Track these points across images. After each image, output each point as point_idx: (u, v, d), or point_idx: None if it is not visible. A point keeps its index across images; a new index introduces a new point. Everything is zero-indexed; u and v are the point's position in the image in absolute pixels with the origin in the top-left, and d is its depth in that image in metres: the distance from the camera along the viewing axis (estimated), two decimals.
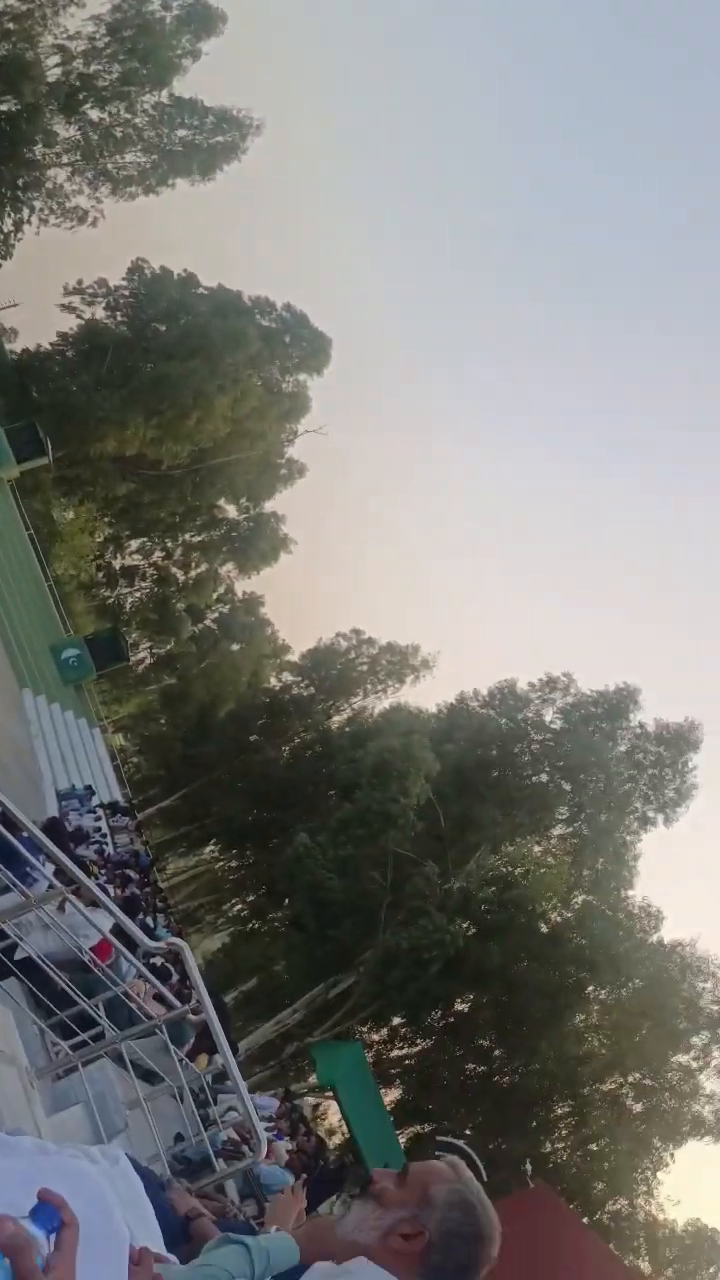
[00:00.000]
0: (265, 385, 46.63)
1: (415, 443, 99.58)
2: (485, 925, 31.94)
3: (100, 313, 44.86)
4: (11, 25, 38.88)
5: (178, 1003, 7.96)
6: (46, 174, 42.16)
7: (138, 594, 54.04)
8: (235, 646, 54.09)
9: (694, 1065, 31.63)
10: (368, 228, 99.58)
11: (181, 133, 42.77)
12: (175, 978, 11.23)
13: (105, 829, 23.58)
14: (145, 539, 53.00)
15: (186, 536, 53.09)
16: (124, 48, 40.00)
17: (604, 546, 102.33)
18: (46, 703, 30.17)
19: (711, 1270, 30.86)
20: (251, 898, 49.42)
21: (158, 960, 10.97)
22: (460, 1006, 35.53)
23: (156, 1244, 3.03)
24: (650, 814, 36.88)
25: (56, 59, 40.38)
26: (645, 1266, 30.56)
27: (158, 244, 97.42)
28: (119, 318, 44.87)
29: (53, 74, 39.96)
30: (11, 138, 38.70)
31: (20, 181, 41.23)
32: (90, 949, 7.52)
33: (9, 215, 42.30)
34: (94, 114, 41.59)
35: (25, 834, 6.75)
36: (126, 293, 44.94)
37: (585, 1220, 26.83)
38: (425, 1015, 34.97)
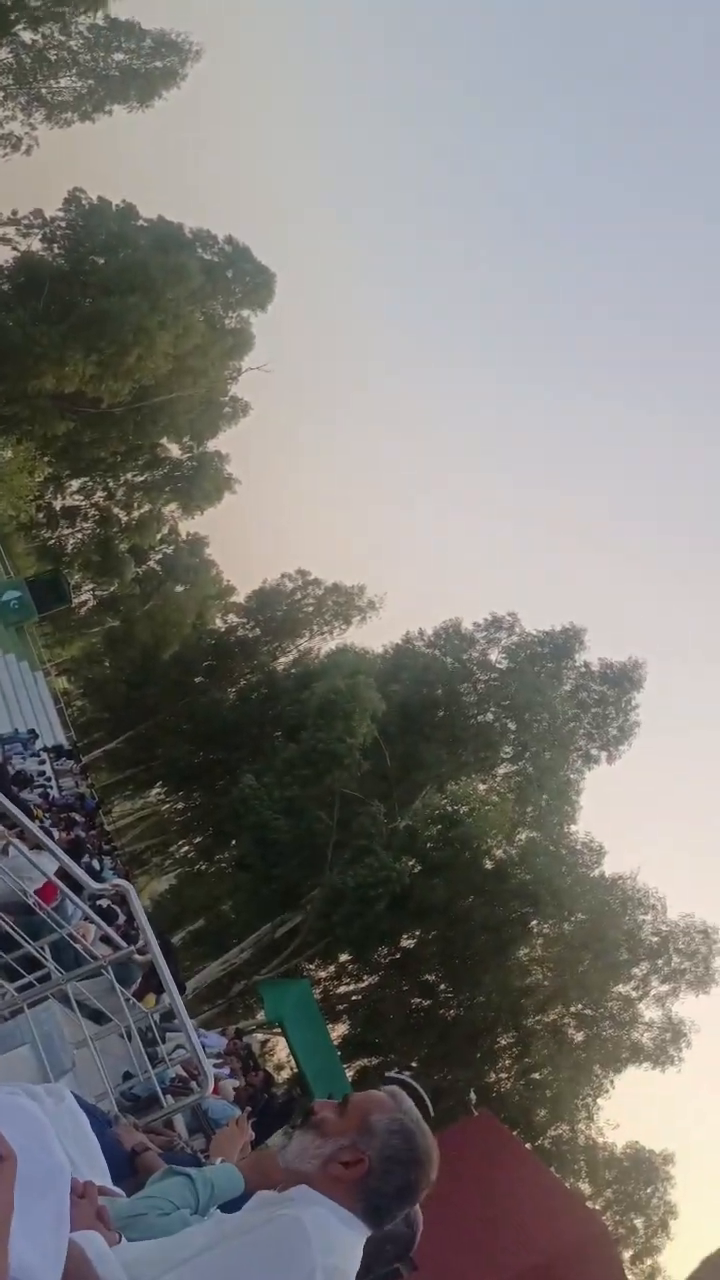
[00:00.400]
0: (208, 321, 45.61)
1: (359, 381, 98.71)
2: (430, 862, 32.40)
3: (36, 245, 43.38)
4: None
5: (124, 943, 7.98)
6: None
7: (79, 535, 53.21)
8: (180, 588, 53.65)
9: (634, 995, 32.50)
10: (311, 158, 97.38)
11: (118, 57, 41.23)
12: (121, 919, 11.26)
13: (50, 773, 23.46)
14: (86, 479, 52.06)
15: (129, 476, 52.24)
16: None
17: (551, 487, 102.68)
18: None
19: (648, 1190, 32.06)
20: (198, 839, 49.60)
21: (104, 902, 10.98)
22: (406, 942, 36.13)
23: (103, 1178, 3.06)
24: (594, 752, 37.48)
25: None
26: (586, 1188, 31.68)
27: (96, 173, 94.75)
28: (56, 250, 43.45)
29: None
30: None
31: None
32: (35, 892, 7.50)
33: None
34: (26, 35, 39.91)
35: None
36: (63, 224, 43.48)
37: (528, 1145, 27.68)
38: (372, 951, 35.53)
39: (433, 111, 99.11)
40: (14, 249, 42.96)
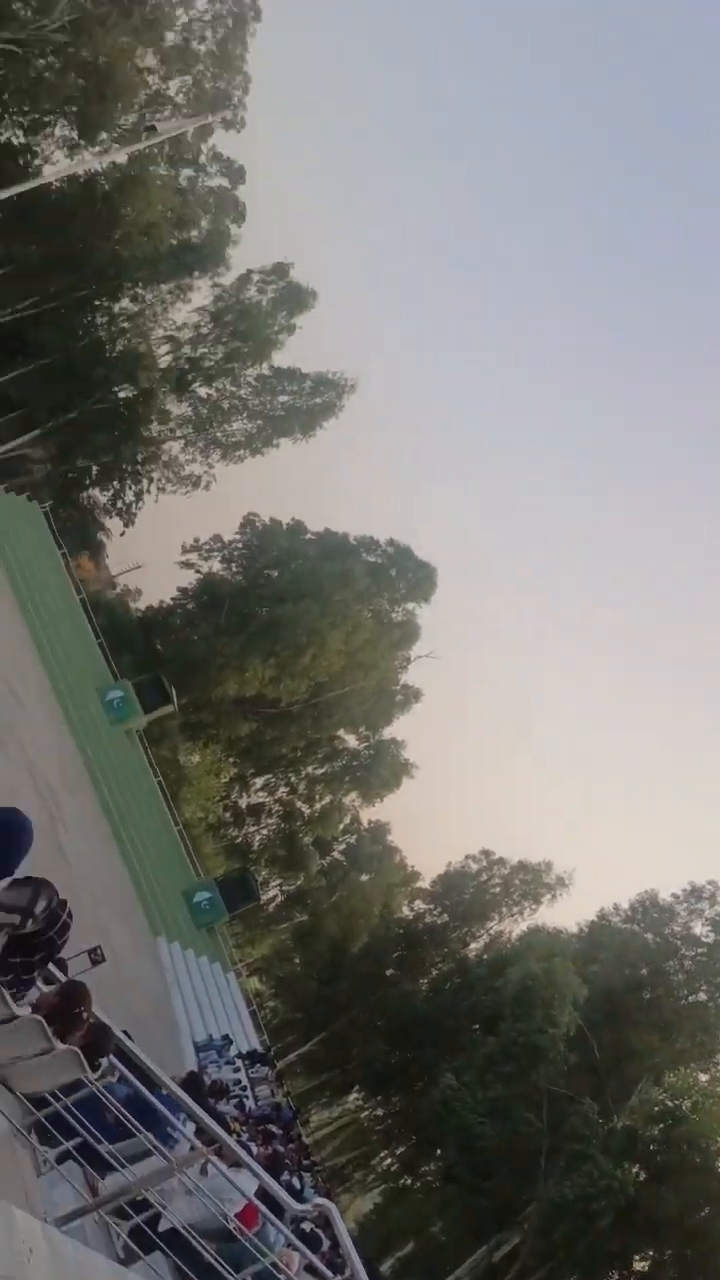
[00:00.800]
0: (375, 617, 48.19)
1: (526, 654, 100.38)
2: (656, 1168, 29.45)
3: (216, 566, 47.80)
4: (126, 324, 43.68)
5: (329, 1273, 7.53)
6: (162, 448, 46.10)
7: (265, 831, 54.42)
8: (364, 877, 53.48)
9: None
10: (466, 452, 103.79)
11: (283, 398, 46.46)
12: (326, 1244, 10.62)
13: (245, 1081, 22.92)
14: (269, 775, 53.86)
15: (309, 769, 53.75)
16: (226, 331, 44.24)
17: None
18: (181, 949, 30.15)
19: None
20: (401, 1149, 46.68)
21: (306, 1225, 10.44)
22: (639, 1265, 32.23)
23: None
24: None
25: (167, 347, 44.86)
26: None
27: (266, 496, 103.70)
28: (234, 569, 47.65)
29: (164, 360, 44.32)
30: (130, 420, 42.65)
31: (139, 457, 45.19)
32: (235, 1215, 7.26)
33: (130, 487, 46.19)
34: (203, 391, 45.67)
35: (165, 1091, 6.72)
36: (240, 545, 47.88)
37: None
38: (601, 1277, 31.80)
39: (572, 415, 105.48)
40: (197, 572, 47.48)
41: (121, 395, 42.42)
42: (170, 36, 40.28)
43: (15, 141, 42.31)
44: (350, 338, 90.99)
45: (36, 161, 42.05)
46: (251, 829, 54.25)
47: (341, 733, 52.68)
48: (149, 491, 46.65)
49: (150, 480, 46.49)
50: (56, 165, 40.84)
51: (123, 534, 48.70)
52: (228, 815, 53.53)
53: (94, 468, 45.26)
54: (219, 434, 46.34)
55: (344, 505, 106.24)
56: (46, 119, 41.24)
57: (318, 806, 54.14)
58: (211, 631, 43.73)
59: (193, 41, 40.75)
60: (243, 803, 54.35)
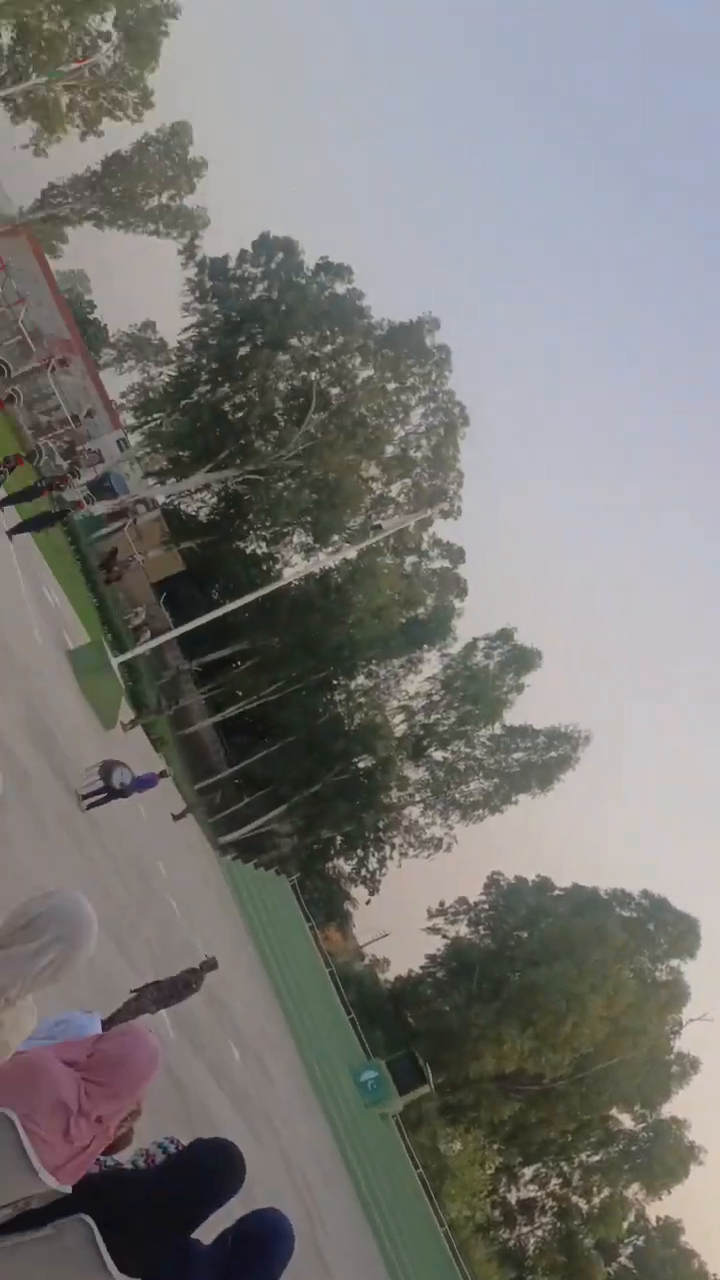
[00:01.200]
0: (637, 976, 45.24)
1: None
2: None
3: (463, 929, 47.03)
4: (362, 699, 46.32)
5: None
6: (403, 813, 47.07)
7: (540, 1231, 48.76)
8: None
9: None
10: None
11: (517, 755, 47.10)
12: None
13: None
14: (539, 1165, 49.18)
15: (582, 1156, 48.81)
16: (457, 696, 46.11)
17: None
18: None
19: None
20: None
21: None
22: None
23: None
24: None
25: (401, 717, 46.99)
26: None
27: (508, 854, 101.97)
28: (481, 931, 46.64)
29: (400, 729, 46.35)
30: (370, 788, 44.14)
31: (381, 824, 46.17)
32: None
33: (373, 855, 46.90)
34: (438, 755, 47.02)
35: None
36: (486, 906, 47.09)
37: None
38: None
39: None
40: (444, 937, 46.78)
41: (361, 765, 44.15)
42: (390, 449, 45.54)
43: (259, 552, 47.92)
44: (587, 687, 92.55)
45: (278, 566, 47.21)
46: (524, 1229, 48.76)
47: (614, 1111, 47.96)
48: (391, 857, 47.24)
49: (392, 846, 47.19)
50: (295, 567, 45.73)
51: (368, 902, 48.95)
52: (496, 1213, 48.52)
53: (338, 837, 46.43)
54: (457, 795, 47.07)
55: (591, 856, 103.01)
56: (285, 530, 46.72)
57: (596, 1201, 48.44)
58: (463, 1000, 42.34)
59: (410, 450, 45.85)
60: (512, 1197, 49.35)
